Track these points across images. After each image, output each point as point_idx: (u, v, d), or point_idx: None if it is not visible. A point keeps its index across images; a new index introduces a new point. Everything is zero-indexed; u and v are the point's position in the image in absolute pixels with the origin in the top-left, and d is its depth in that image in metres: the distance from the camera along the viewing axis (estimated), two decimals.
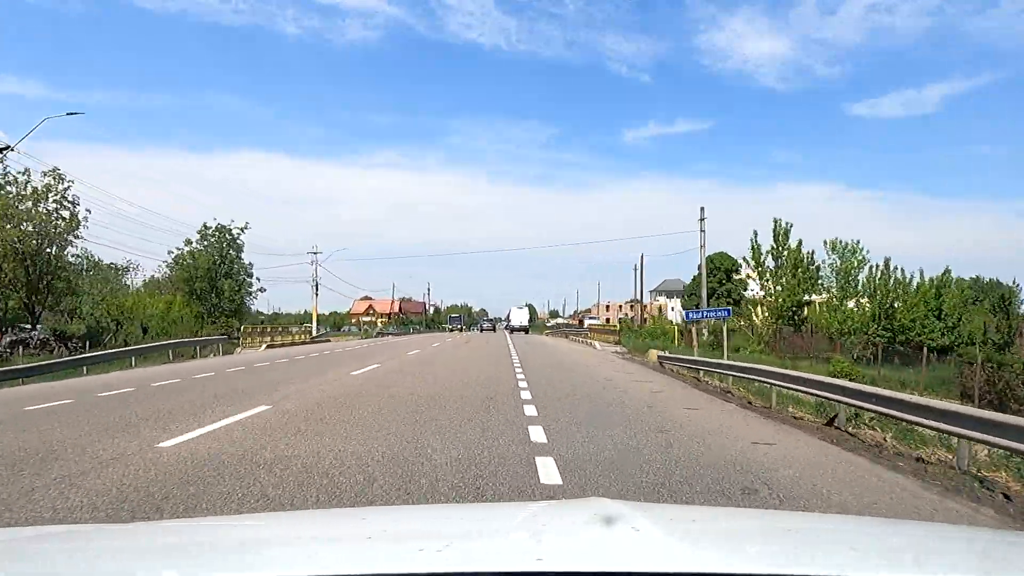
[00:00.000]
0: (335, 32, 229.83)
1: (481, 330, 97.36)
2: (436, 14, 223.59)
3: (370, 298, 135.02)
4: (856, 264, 45.55)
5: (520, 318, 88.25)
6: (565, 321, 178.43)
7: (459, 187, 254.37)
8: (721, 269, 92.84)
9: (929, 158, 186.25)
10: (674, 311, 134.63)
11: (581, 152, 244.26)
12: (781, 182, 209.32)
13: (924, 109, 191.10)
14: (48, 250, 34.94)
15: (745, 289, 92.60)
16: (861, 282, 46.09)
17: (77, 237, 36.22)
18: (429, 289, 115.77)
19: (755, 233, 47.83)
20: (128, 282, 50.01)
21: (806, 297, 45.07)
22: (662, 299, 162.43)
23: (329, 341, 61.35)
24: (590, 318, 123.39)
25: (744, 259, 52.45)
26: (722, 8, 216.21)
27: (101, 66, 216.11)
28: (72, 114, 34.46)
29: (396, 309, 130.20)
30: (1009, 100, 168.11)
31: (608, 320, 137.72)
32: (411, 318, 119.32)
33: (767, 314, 46.30)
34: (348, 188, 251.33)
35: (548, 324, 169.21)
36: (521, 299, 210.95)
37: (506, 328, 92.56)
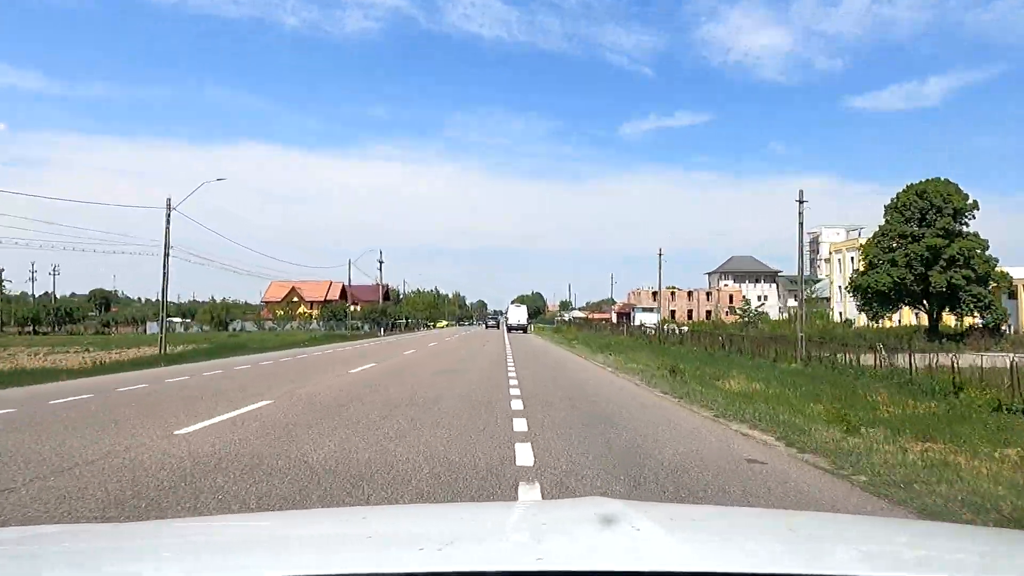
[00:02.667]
0: (334, 24, 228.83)
1: (486, 327, 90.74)
2: (436, 5, 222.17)
3: (331, 281, 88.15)
4: None
5: (518, 316, 77.21)
6: (583, 315, 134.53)
7: (458, 180, 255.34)
8: (933, 206, 46.18)
9: (930, 151, 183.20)
10: (763, 301, 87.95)
11: (581, 144, 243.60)
12: (780, 175, 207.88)
13: (925, 102, 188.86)
14: None
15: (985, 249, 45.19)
16: None
17: None
18: (381, 266, 69.24)
19: None
20: None
21: None
22: (728, 283, 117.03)
23: None
24: (642, 309, 78.48)
25: None
26: (723, 0, 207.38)
27: (99, 58, 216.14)
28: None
29: (337, 296, 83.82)
30: (1011, 93, 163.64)
31: (672, 314, 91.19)
32: (360, 311, 72.70)
33: None
34: (346, 180, 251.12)
35: (565, 318, 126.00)
36: (523, 291, 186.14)
37: (504, 326, 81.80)
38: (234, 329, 66.84)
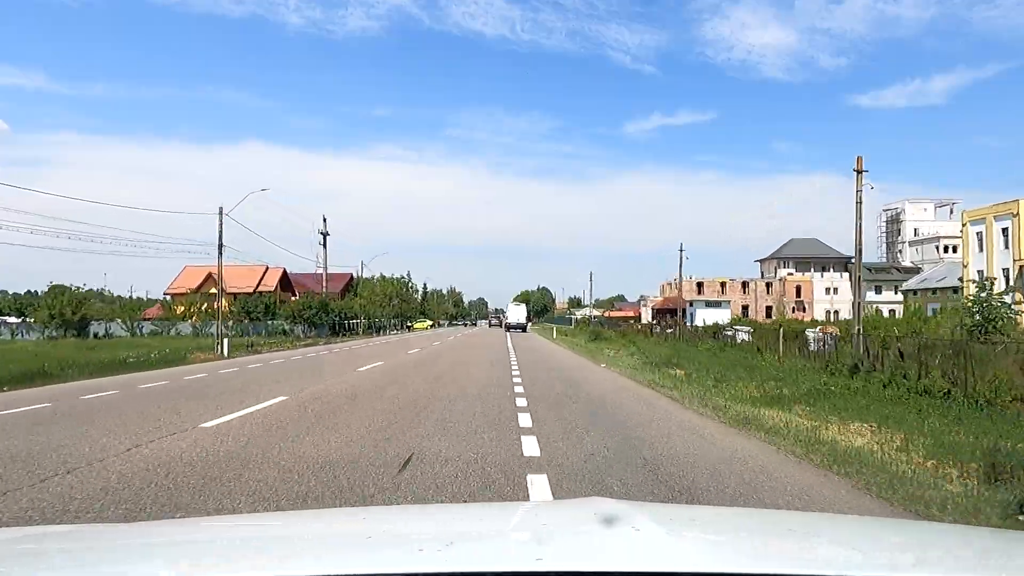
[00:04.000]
0: (337, 22, 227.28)
1: (489, 325, 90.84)
2: (439, 3, 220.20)
3: (262, 265, 65.52)
4: None
5: (517, 315, 73.29)
6: (597, 313, 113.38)
7: (460, 178, 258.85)
8: None
9: (934, 149, 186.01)
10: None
11: (583, 144, 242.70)
12: (784, 173, 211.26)
13: (929, 100, 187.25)
14: None
15: None
16: None
17: None
18: (325, 240, 46.08)
19: None
20: None
21: None
22: (790, 272, 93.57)
23: None
24: (706, 304, 55.50)
25: None
26: None
27: (102, 57, 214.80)
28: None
29: (275, 284, 60.81)
30: (1015, 91, 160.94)
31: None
32: (292, 305, 49.21)
33: None
34: (348, 179, 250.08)
35: (578, 316, 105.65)
36: (528, 288, 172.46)
37: (503, 325, 79.66)
38: (95, 334, 43.74)
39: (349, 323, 52.53)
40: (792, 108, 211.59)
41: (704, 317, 50.36)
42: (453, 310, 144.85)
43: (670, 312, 74.52)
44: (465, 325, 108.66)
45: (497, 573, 1.20)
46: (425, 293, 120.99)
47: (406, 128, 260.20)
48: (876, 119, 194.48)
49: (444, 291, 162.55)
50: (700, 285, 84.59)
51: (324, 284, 50.72)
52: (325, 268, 49.79)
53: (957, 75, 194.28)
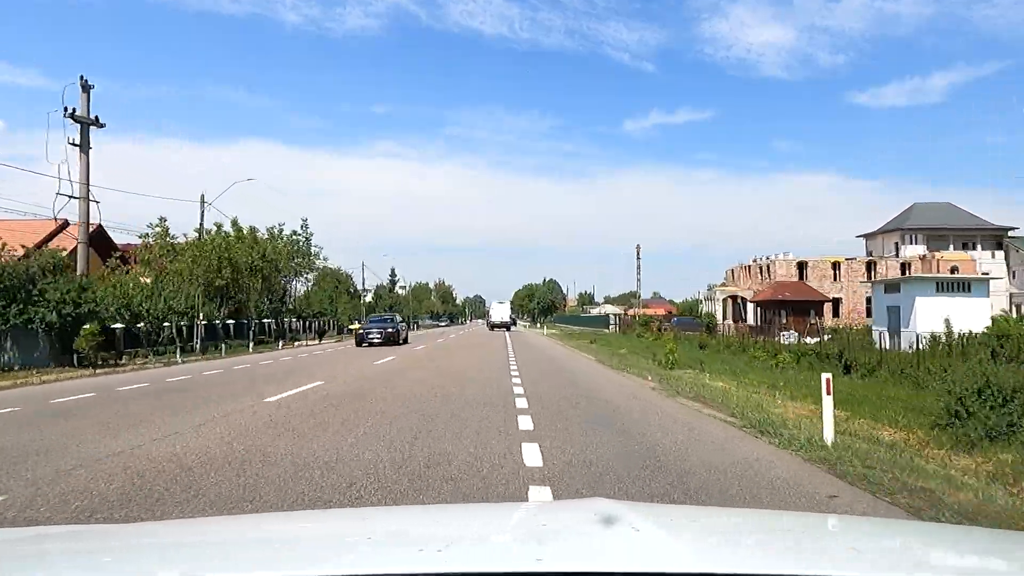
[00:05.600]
0: (335, 20, 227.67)
1: (486, 323, 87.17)
2: (437, 2, 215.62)
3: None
4: None
5: (501, 313, 72.23)
6: (618, 311, 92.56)
7: (460, 177, 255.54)
8: None
9: (934, 147, 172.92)
10: None
11: (583, 142, 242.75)
12: (783, 172, 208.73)
13: (929, 98, 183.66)
14: None
15: None
16: None
17: None
18: (86, 134, 17.31)
19: None
20: None
21: None
22: (925, 248, 65.66)
23: None
24: (934, 286, 28.86)
25: None
26: None
27: (99, 55, 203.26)
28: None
29: (71, 247, 31.65)
30: (1016, 89, 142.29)
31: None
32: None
33: None
34: (347, 177, 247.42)
35: (602, 314, 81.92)
36: (531, 283, 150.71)
37: (488, 324, 77.29)
38: None
39: (161, 328, 24.45)
40: (791, 106, 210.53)
41: (931, 314, 22.57)
42: (441, 307, 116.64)
43: (785, 307, 46.84)
44: (368, 338, 34.11)
45: (497, 573, 1.19)
46: (393, 282, 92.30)
47: (406, 126, 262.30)
48: (875, 117, 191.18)
49: (432, 285, 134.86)
50: (803, 266, 56.65)
51: (83, 242, 22.35)
52: (86, 203, 21.70)
53: (957, 72, 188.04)
